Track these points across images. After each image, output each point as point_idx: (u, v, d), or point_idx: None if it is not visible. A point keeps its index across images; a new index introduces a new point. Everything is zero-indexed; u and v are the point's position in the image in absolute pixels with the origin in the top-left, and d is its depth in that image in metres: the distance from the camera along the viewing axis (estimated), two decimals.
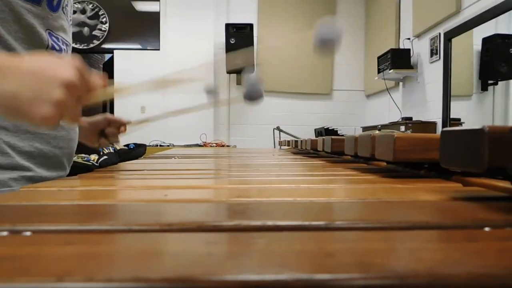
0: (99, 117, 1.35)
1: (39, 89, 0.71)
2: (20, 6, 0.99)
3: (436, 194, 0.57)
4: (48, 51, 1.07)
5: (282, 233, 0.36)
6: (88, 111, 0.86)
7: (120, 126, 1.35)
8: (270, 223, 0.39)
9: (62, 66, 0.74)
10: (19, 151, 1.02)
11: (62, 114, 0.74)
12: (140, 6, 7.12)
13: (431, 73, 5.04)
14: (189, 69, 1.02)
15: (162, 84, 0.97)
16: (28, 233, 0.36)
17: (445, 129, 0.55)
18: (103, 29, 6.99)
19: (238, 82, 6.96)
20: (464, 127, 0.50)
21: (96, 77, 0.80)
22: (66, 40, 1.14)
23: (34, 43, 1.02)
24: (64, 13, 1.12)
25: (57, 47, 1.09)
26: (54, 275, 0.25)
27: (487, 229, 0.37)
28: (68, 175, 0.95)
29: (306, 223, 0.40)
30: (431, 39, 4.99)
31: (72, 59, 0.76)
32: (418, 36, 5.36)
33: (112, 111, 6.68)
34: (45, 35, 1.05)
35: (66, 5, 1.14)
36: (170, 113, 1.29)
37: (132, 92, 0.94)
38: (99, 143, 1.34)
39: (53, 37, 1.07)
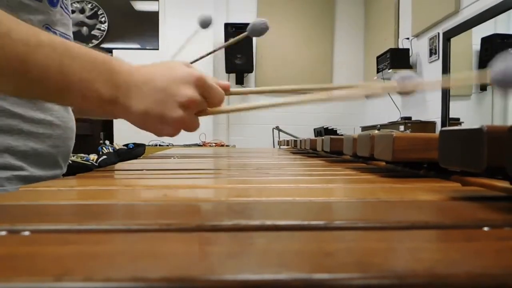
0: None
1: (161, 109, 0.77)
2: (19, 2, 0.97)
3: (435, 194, 0.58)
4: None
5: (281, 233, 0.36)
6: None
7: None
8: (269, 222, 0.39)
9: (183, 84, 0.78)
10: (13, 151, 1.01)
11: (180, 129, 0.81)
12: (139, 6, 7.12)
13: (430, 72, 5.04)
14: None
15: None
16: (27, 233, 0.36)
17: (443, 128, 0.55)
18: (102, 28, 7.00)
19: (238, 82, 6.96)
20: (463, 126, 0.51)
21: (218, 91, 0.84)
22: (66, 34, 1.13)
23: None
24: (62, 7, 1.12)
25: None
26: (53, 275, 0.25)
27: (486, 229, 0.37)
28: (67, 175, 0.95)
29: (305, 222, 0.40)
30: (430, 39, 5.00)
31: (194, 73, 0.80)
32: (417, 36, 5.37)
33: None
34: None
35: (64, 0, 1.13)
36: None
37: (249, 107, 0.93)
38: None
39: (50, 32, 1.04)
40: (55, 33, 1.08)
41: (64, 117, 1.12)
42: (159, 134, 0.81)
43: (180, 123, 0.79)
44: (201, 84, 0.80)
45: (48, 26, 1.06)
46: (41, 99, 0.94)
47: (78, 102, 0.77)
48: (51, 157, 1.10)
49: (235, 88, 0.92)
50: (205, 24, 1.53)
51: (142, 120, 0.79)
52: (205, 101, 0.83)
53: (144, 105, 0.77)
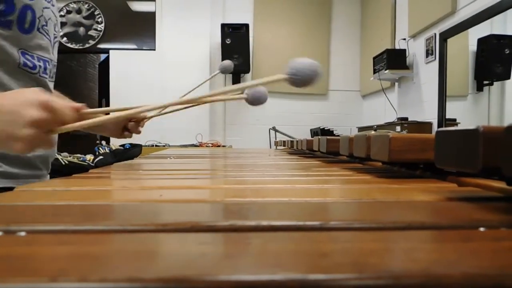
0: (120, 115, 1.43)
1: (10, 128, 0.83)
2: None
3: (432, 194, 0.58)
4: (20, 68, 1.15)
5: (277, 233, 0.36)
6: None
7: (139, 121, 1.49)
8: (265, 223, 0.39)
9: (27, 104, 0.84)
10: None
11: (33, 145, 0.85)
12: (136, 6, 7.12)
13: (426, 73, 5.04)
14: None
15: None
16: (22, 233, 0.36)
17: (439, 129, 0.55)
18: (98, 29, 6.99)
19: (234, 83, 6.97)
20: (459, 127, 0.51)
21: (66, 108, 0.88)
22: (44, 57, 1.21)
23: (5, 61, 1.10)
24: (41, 32, 1.19)
25: (30, 64, 1.16)
26: (48, 275, 0.25)
27: (482, 229, 0.37)
28: (64, 175, 0.96)
29: (301, 223, 0.40)
30: (427, 40, 5.00)
31: (38, 93, 0.86)
32: (414, 36, 5.37)
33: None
34: (16, 54, 1.13)
35: (44, 25, 1.20)
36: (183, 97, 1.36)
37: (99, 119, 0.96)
38: (124, 135, 1.50)
39: (26, 56, 1.15)
40: (32, 56, 1.16)
41: None
42: (13, 151, 0.86)
43: (30, 140, 0.84)
44: (46, 106, 0.84)
45: (23, 51, 1.14)
46: None
47: None
48: (27, 160, 1.20)
49: (90, 109, 0.98)
50: (225, 71, 1.61)
51: None
52: (54, 120, 0.86)
53: None
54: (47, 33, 1.22)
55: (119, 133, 1.50)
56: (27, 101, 0.85)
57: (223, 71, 1.65)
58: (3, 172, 1.14)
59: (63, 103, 0.89)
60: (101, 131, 1.56)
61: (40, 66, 1.20)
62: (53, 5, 1.27)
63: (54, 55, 1.29)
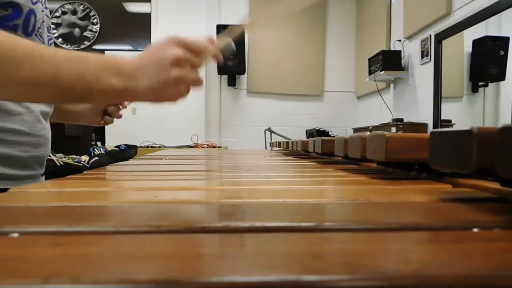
0: None
1: (160, 76, 0.87)
2: None
3: (426, 196, 0.58)
4: None
5: (271, 235, 0.36)
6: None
7: (119, 104, 1.51)
8: (259, 224, 0.39)
9: (164, 48, 0.89)
10: None
11: (186, 86, 0.90)
12: (131, 7, 7.12)
13: (422, 74, 5.05)
14: None
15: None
16: (15, 235, 0.35)
17: (434, 130, 0.55)
18: (94, 30, 6.99)
19: (230, 84, 6.97)
20: (454, 128, 0.51)
21: (200, 41, 0.94)
22: None
23: None
24: (37, 35, 1.21)
25: None
26: (40, 277, 0.25)
27: (475, 230, 0.37)
28: (58, 176, 0.97)
29: (295, 224, 0.40)
30: (422, 41, 5.01)
31: (170, 37, 0.92)
32: (409, 37, 5.38)
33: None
34: None
35: (39, 28, 1.22)
36: None
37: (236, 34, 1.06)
38: (104, 121, 1.51)
39: None
40: None
41: (35, 126, 1.23)
42: (173, 99, 0.91)
43: (181, 81, 0.88)
44: (180, 42, 0.90)
45: None
46: (72, 103, 1.14)
47: (100, 98, 0.91)
48: (22, 160, 1.20)
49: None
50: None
51: (152, 95, 0.89)
52: (193, 55, 0.91)
53: (147, 82, 0.87)
54: (41, 36, 1.25)
55: (99, 119, 1.52)
56: (162, 45, 0.90)
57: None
58: None
59: (193, 38, 0.94)
60: (79, 119, 1.55)
61: None
62: (46, 8, 1.29)
63: None
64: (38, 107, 1.25)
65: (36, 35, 1.21)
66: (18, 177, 1.20)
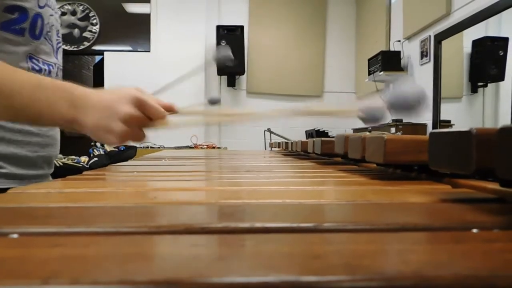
0: None
1: (106, 122, 0.90)
2: (3, 38, 1.12)
3: (425, 196, 0.58)
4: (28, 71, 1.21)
5: (270, 235, 0.36)
6: None
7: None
8: (258, 225, 0.39)
9: (122, 100, 0.92)
10: None
11: (124, 139, 0.94)
12: (131, 8, 7.12)
13: (421, 75, 5.06)
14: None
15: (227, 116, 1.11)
16: (15, 235, 0.35)
17: (433, 131, 0.55)
18: (93, 30, 6.99)
19: (229, 84, 6.98)
20: (453, 129, 0.51)
21: (158, 106, 0.96)
22: (48, 61, 1.27)
23: (15, 66, 1.13)
24: (46, 39, 1.25)
25: (36, 68, 1.22)
26: (40, 278, 0.25)
27: (475, 230, 0.37)
28: (58, 177, 0.98)
29: (295, 225, 0.40)
30: (422, 42, 5.02)
31: (134, 91, 0.95)
32: (409, 38, 5.38)
33: None
34: (25, 59, 1.18)
35: (48, 31, 1.26)
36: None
37: (195, 115, 1.09)
38: None
39: (33, 60, 1.20)
40: (38, 60, 1.22)
41: (44, 127, 1.27)
42: (108, 142, 0.96)
43: (123, 134, 0.91)
44: (139, 103, 0.93)
45: (31, 55, 1.20)
46: (25, 123, 1.16)
47: (48, 123, 1.03)
48: (30, 160, 1.23)
49: (184, 107, 1.06)
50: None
51: (94, 132, 0.92)
52: (146, 117, 0.95)
53: (94, 120, 0.91)
54: (50, 39, 1.27)
55: None
56: (122, 98, 0.93)
57: (220, 61, 1.67)
58: (7, 173, 1.16)
59: (156, 101, 0.97)
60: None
61: (45, 69, 1.24)
62: (56, 13, 1.32)
63: (58, 60, 1.34)
64: None
65: (45, 38, 1.24)
66: (28, 177, 1.22)
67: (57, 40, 1.32)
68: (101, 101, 0.93)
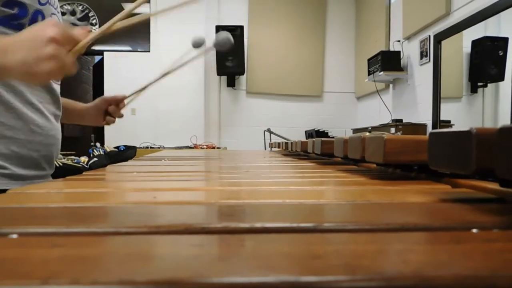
0: (97, 101, 1.61)
1: (35, 51, 0.87)
2: (2, 33, 1.12)
3: (425, 196, 0.58)
4: None
5: (270, 235, 0.36)
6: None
7: (118, 102, 1.60)
8: (258, 225, 0.39)
9: (44, 27, 0.90)
10: None
11: (60, 65, 0.90)
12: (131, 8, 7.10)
13: (421, 75, 5.06)
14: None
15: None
16: (15, 236, 0.35)
17: (433, 131, 0.55)
18: (93, 30, 6.97)
19: (229, 84, 6.98)
20: (453, 129, 0.51)
21: (77, 29, 0.95)
22: None
23: None
24: (51, 4, 1.26)
25: None
26: (39, 278, 0.25)
27: (474, 230, 0.37)
28: (57, 177, 0.98)
29: (295, 225, 0.40)
30: (421, 42, 5.02)
31: (51, 20, 0.95)
32: (408, 38, 5.39)
33: None
34: None
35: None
36: (162, 75, 1.48)
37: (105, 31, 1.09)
38: (106, 121, 1.60)
39: None
40: None
41: (45, 126, 1.26)
42: (45, 76, 0.91)
43: (55, 58, 0.88)
44: (58, 24, 0.91)
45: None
46: None
47: None
48: (32, 160, 1.23)
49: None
50: (197, 45, 1.68)
51: (24, 69, 0.89)
52: (69, 37, 0.93)
53: (19, 56, 0.88)
54: (54, 5, 1.28)
55: (101, 119, 1.59)
56: (41, 26, 0.91)
57: (195, 45, 1.71)
58: (10, 174, 1.16)
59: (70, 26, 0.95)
60: (83, 120, 1.62)
61: None
62: (58, 12, 1.33)
63: None
64: (49, 110, 1.29)
65: (50, 4, 1.24)
66: (30, 177, 1.22)
67: (57, 8, 1.32)
68: (22, 36, 0.91)
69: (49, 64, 0.88)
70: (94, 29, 1.01)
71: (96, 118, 1.59)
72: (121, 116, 1.58)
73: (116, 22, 1.09)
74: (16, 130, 1.17)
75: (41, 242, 0.34)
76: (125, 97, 1.61)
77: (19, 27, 1.13)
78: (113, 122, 1.57)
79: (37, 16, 1.18)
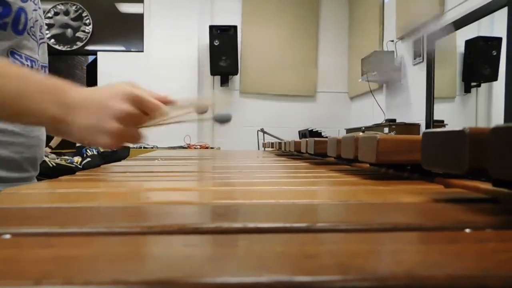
0: None
1: (98, 122, 0.85)
2: None
3: (418, 196, 0.58)
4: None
5: (263, 235, 0.36)
6: None
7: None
8: (251, 225, 0.39)
9: (116, 97, 0.86)
10: None
11: (120, 140, 0.88)
12: (124, 8, 7.10)
13: (414, 75, 5.07)
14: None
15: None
16: (7, 236, 0.35)
17: (426, 130, 0.55)
18: (86, 31, 6.97)
19: (222, 84, 6.98)
20: (447, 128, 0.51)
21: (153, 99, 0.90)
22: (31, 57, 1.24)
23: None
24: (29, 34, 1.22)
25: (18, 63, 1.18)
26: (32, 278, 0.24)
27: (467, 230, 0.37)
28: (51, 177, 0.98)
29: (288, 225, 0.40)
30: (415, 41, 5.02)
31: (128, 86, 0.88)
32: (402, 38, 5.39)
33: None
34: (6, 54, 1.15)
35: (32, 27, 1.23)
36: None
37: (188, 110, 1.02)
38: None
39: (15, 55, 1.17)
40: (20, 56, 1.19)
41: (27, 127, 1.23)
42: (101, 145, 0.89)
43: (117, 134, 0.86)
44: (135, 99, 0.87)
45: (13, 50, 1.17)
46: (6, 120, 1.04)
47: (33, 120, 0.94)
48: (15, 162, 1.20)
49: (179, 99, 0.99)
50: (222, 121, 1.70)
51: (85, 134, 0.87)
52: (144, 114, 0.89)
53: (85, 120, 0.85)
54: (33, 35, 1.25)
55: None
56: (116, 94, 0.87)
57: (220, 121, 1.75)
58: None
59: (150, 93, 0.91)
60: None
61: (27, 65, 1.22)
62: (39, 8, 1.30)
63: (40, 56, 1.31)
64: None
65: (28, 34, 1.21)
66: (13, 180, 1.19)
67: (40, 36, 1.31)
68: (93, 100, 0.88)
69: (107, 139, 0.86)
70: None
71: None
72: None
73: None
74: None
75: (34, 243, 0.34)
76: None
77: (2, 27, 1.12)
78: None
79: (20, 13, 1.16)
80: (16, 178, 1.21)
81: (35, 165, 1.32)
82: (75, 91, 0.89)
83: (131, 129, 0.89)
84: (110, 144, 0.87)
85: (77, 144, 4.52)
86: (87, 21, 6.98)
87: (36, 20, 1.26)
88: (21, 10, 1.17)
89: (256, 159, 1.92)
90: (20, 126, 1.19)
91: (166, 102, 0.94)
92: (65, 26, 6.93)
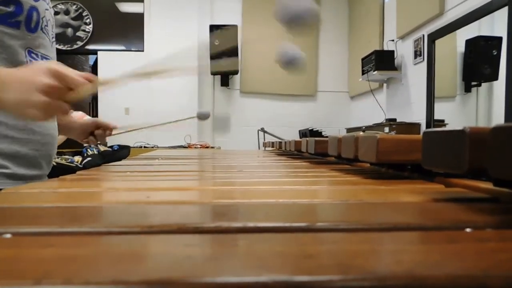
0: (89, 121, 1.67)
1: (25, 96, 0.91)
2: (1, 32, 1.13)
3: (418, 196, 0.58)
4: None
5: (263, 235, 0.36)
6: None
7: (107, 129, 1.66)
8: (251, 224, 0.39)
9: (38, 73, 0.92)
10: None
11: (48, 112, 0.94)
12: (124, 7, 7.10)
13: (415, 74, 5.07)
14: (173, 56, 1.13)
15: (144, 75, 1.09)
16: (8, 235, 0.35)
17: (426, 130, 0.55)
18: (87, 30, 6.97)
19: (223, 84, 6.98)
20: (447, 128, 0.51)
21: (77, 76, 0.95)
22: (46, 55, 1.29)
23: (14, 61, 1.16)
24: (44, 32, 1.27)
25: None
26: (32, 278, 0.24)
27: (468, 230, 0.37)
28: (51, 177, 0.98)
29: (288, 224, 0.40)
30: (415, 41, 5.02)
31: (50, 63, 0.93)
32: (402, 37, 5.39)
33: (96, 111, 6.72)
34: (23, 53, 1.20)
35: (46, 25, 1.28)
36: (154, 125, 1.51)
37: (116, 85, 1.08)
38: (88, 140, 1.65)
39: (32, 54, 1.22)
40: (37, 54, 1.24)
41: (44, 125, 1.28)
42: (31, 117, 0.95)
43: (44, 107, 0.92)
44: (57, 74, 0.93)
45: (30, 49, 1.21)
46: None
47: None
48: (33, 159, 1.24)
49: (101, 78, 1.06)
50: (203, 117, 1.74)
51: (15, 109, 0.94)
52: (66, 88, 0.94)
53: (12, 96, 0.92)
54: (47, 33, 1.30)
55: (82, 138, 1.65)
56: (38, 70, 0.93)
57: (201, 117, 1.78)
58: (12, 173, 1.17)
59: (73, 71, 0.96)
60: (69, 133, 1.67)
61: None
62: (50, 7, 1.34)
63: (54, 54, 1.36)
64: None
65: (43, 32, 1.26)
66: (30, 177, 1.23)
67: (52, 35, 1.34)
68: (18, 76, 0.93)
69: (36, 111, 0.92)
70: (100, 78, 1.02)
71: (79, 135, 1.65)
72: (105, 142, 1.65)
73: (124, 78, 1.06)
74: (18, 129, 1.18)
75: (35, 242, 0.34)
76: (115, 127, 1.69)
77: (16, 25, 1.14)
78: (95, 143, 1.62)
79: (32, 12, 1.19)
80: (33, 176, 1.25)
81: (50, 162, 1.36)
82: (3, 71, 0.96)
83: (56, 102, 0.93)
84: (39, 116, 0.94)
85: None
86: (88, 21, 6.98)
87: (48, 19, 1.29)
88: (33, 8, 1.19)
89: (257, 158, 1.92)
90: (36, 124, 1.24)
91: (89, 79, 0.99)
92: (66, 25, 6.93)
